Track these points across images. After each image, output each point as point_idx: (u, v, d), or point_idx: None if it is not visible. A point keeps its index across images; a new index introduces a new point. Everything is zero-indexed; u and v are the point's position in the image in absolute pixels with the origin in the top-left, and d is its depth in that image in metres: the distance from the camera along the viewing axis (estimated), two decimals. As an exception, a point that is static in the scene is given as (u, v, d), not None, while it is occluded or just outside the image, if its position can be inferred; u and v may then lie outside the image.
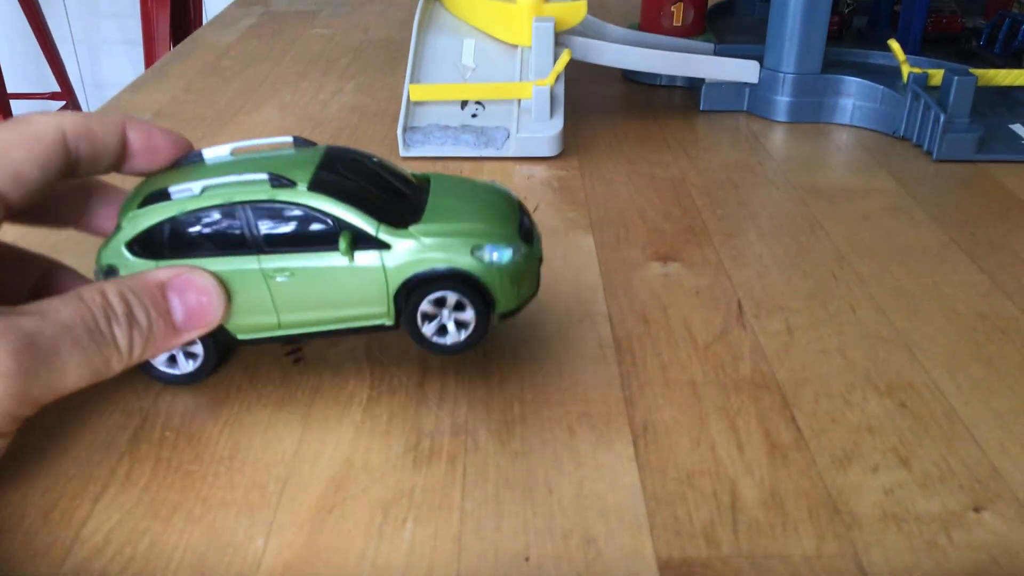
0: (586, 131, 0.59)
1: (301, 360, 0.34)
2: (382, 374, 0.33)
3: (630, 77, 0.70)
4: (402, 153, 0.54)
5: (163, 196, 0.30)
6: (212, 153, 0.32)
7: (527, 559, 0.26)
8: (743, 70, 0.60)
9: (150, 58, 1.46)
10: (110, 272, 0.31)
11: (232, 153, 0.32)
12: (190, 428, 0.31)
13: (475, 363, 0.34)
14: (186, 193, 0.30)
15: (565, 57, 0.54)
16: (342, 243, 0.30)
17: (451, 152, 0.54)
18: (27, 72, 1.60)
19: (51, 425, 0.30)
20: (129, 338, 0.28)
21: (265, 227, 0.30)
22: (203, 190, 0.30)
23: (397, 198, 0.32)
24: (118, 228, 0.31)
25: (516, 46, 0.57)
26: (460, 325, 0.31)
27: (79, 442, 0.30)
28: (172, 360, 0.32)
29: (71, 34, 1.63)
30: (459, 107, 0.55)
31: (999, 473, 0.29)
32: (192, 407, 0.32)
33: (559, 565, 0.25)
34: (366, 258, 0.30)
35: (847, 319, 0.37)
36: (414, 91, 0.55)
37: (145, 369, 0.32)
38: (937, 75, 0.55)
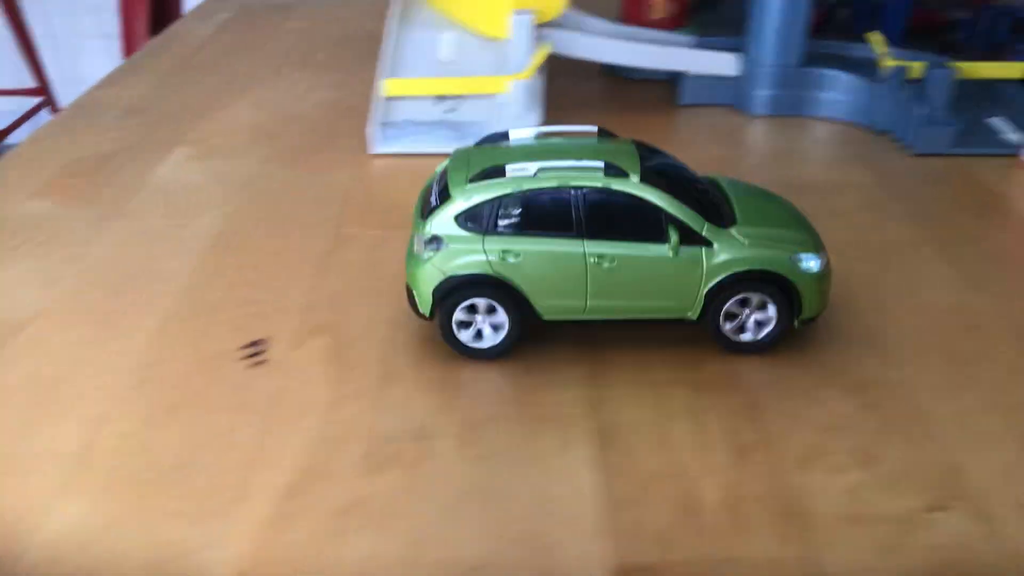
0: (564, 126, 0.58)
1: (262, 364, 0.34)
2: (344, 378, 0.33)
3: (610, 71, 0.69)
4: (375, 149, 0.53)
5: (499, 173, 0.31)
6: (517, 135, 0.34)
7: (481, 568, 0.25)
8: (721, 63, 0.60)
9: (129, 53, 1.44)
10: (434, 240, 0.32)
11: (536, 138, 0.34)
12: (143, 435, 0.30)
13: (437, 366, 0.34)
14: (522, 172, 0.31)
15: (544, 51, 0.54)
16: (673, 237, 0.31)
17: (427, 148, 0.53)
18: (3, 68, 1.58)
19: None
20: None
21: (594, 213, 0.31)
22: (538, 171, 0.31)
23: (706, 196, 0.33)
24: (448, 199, 0.31)
25: (495, 40, 0.57)
26: (758, 324, 0.33)
27: (28, 451, 0.29)
28: (479, 335, 0.33)
29: (48, 29, 1.61)
30: (435, 102, 0.55)
31: (962, 473, 0.29)
32: (146, 413, 0.31)
33: (516, 573, 0.25)
34: (690, 254, 0.31)
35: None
36: (389, 86, 0.54)
37: (453, 344, 0.33)
38: (918, 68, 0.55)
